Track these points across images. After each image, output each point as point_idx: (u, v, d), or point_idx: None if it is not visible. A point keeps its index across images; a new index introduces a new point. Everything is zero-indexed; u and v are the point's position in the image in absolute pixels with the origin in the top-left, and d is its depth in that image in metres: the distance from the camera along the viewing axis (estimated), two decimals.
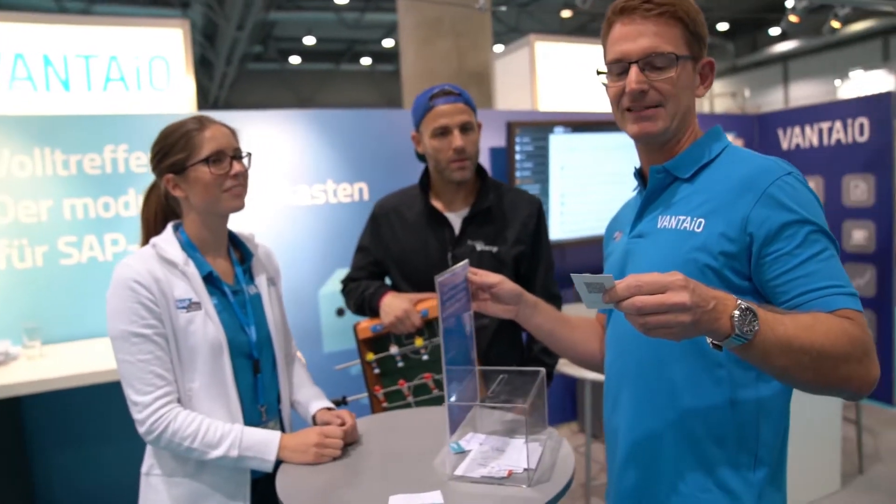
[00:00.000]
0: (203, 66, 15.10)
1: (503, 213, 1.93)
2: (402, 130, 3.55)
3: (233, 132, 1.51)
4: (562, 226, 3.92)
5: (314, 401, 1.60)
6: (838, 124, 4.28)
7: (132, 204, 3.03)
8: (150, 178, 3.03)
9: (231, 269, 1.55)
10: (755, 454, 1.10)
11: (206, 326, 1.41)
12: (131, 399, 1.37)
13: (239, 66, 15.61)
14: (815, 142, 4.43)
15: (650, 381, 1.15)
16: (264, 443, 1.38)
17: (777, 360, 0.91)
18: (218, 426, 1.37)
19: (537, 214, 1.96)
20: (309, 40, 15.24)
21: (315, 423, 1.53)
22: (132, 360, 1.36)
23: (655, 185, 1.19)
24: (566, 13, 13.08)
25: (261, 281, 1.58)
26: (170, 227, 1.49)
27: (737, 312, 0.88)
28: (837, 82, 14.35)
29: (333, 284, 3.43)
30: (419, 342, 1.85)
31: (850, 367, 0.95)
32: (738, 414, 1.09)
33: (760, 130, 4.80)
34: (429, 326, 1.85)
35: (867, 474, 3.42)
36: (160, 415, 1.35)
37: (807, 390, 0.99)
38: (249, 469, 1.43)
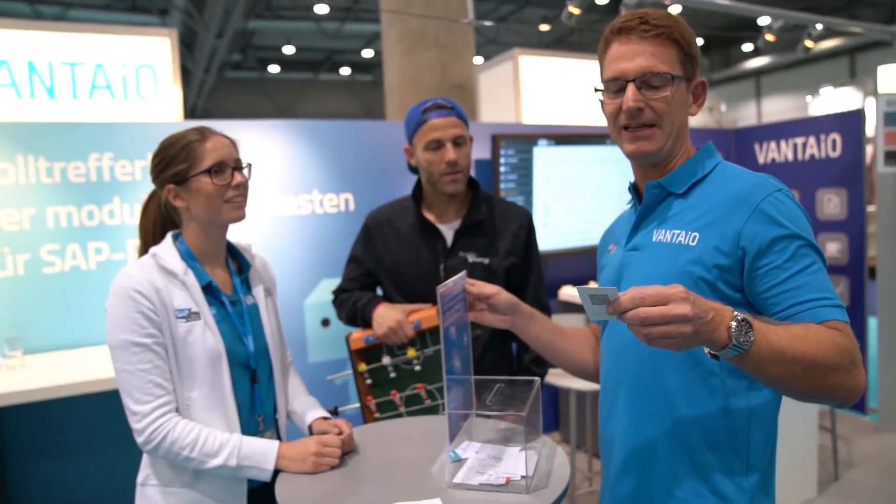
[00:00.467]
0: (181, 73, 14.97)
1: (494, 226, 1.96)
2: (388, 141, 3.58)
3: (233, 143, 1.53)
4: (545, 237, 3.98)
5: (310, 410, 1.61)
6: (812, 140, 4.40)
7: (117, 212, 3.01)
8: (136, 186, 3.02)
9: (229, 279, 1.56)
10: (747, 460, 1.14)
11: (205, 336, 1.42)
12: (130, 408, 1.37)
13: (217, 74, 15.52)
14: (790, 156, 4.55)
15: (646, 389, 1.18)
16: (263, 452, 1.38)
17: (771, 368, 0.96)
18: (216, 435, 1.38)
19: (528, 227, 1.99)
20: (288, 49, 15.21)
21: (311, 433, 1.54)
22: (131, 369, 1.36)
23: (650, 199, 1.23)
24: (545, 27, 13.25)
25: (258, 291, 1.60)
26: (169, 236, 1.50)
27: (733, 323, 0.92)
28: (808, 98, 14.69)
29: (319, 295, 3.43)
30: (412, 353, 1.87)
31: (839, 375, 0.99)
32: (730, 421, 1.13)
33: (737, 144, 4.91)
34: (421, 337, 1.87)
35: (842, 481, 3.50)
36: (159, 424, 1.35)
37: (797, 398, 1.03)
38: (247, 478, 1.43)
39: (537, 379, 1.37)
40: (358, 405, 1.98)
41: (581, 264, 4.29)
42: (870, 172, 4.68)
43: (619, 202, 4.28)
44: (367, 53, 15.71)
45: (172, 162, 1.45)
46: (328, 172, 3.48)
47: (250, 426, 1.49)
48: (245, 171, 1.51)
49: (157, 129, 1.55)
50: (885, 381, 4.18)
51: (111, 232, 3.00)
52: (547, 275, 2.21)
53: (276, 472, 1.38)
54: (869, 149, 4.64)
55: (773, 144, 4.67)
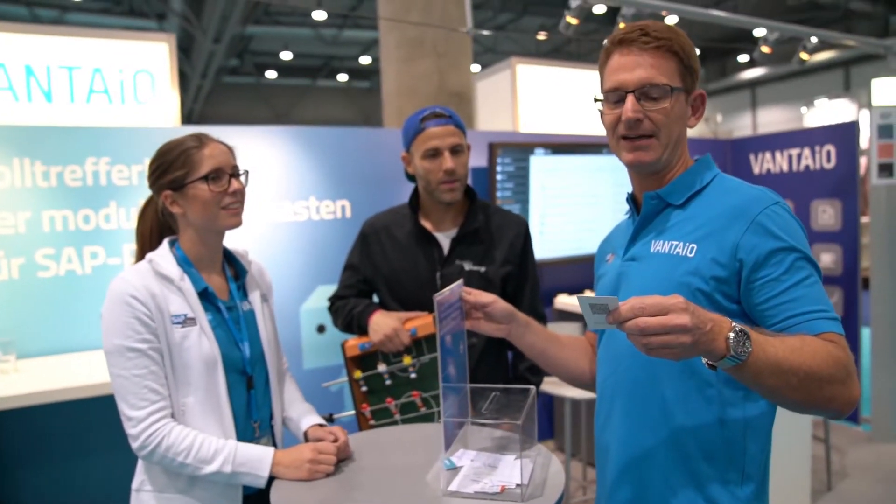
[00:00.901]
0: (179, 78, 14.97)
1: (491, 234, 1.97)
2: (385, 149, 3.59)
3: (231, 150, 1.53)
4: (541, 246, 3.99)
5: (306, 417, 1.61)
6: (807, 151, 4.43)
7: (113, 217, 3.01)
8: (132, 191, 3.02)
9: (225, 285, 1.56)
10: (743, 471, 1.14)
11: (201, 342, 1.42)
12: (125, 414, 1.36)
13: (214, 80, 15.53)
14: (786, 167, 4.58)
15: (643, 399, 1.19)
16: (258, 458, 1.38)
17: (767, 379, 0.96)
18: (211, 442, 1.37)
19: (524, 235, 2.00)
20: (286, 55, 15.24)
21: (307, 440, 1.54)
22: (127, 374, 1.36)
23: (649, 210, 1.24)
24: (542, 36, 13.31)
25: (254, 297, 1.60)
26: (166, 242, 1.50)
27: (731, 334, 0.93)
28: (803, 109, 14.80)
29: (315, 301, 3.43)
30: (407, 360, 1.87)
31: (834, 387, 1.00)
32: (726, 432, 1.13)
33: (733, 155, 4.94)
34: (417, 345, 1.87)
35: (836, 491, 3.51)
36: (154, 430, 1.35)
37: (793, 409, 1.04)
38: (242, 485, 1.43)
39: (533, 387, 1.37)
40: (353, 412, 1.97)
41: (577, 273, 4.29)
42: (864, 184, 4.71)
43: (615, 211, 4.29)
44: (365, 60, 15.75)
45: (170, 168, 1.45)
46: (325, 179, 3.49)
47: (246, 432, 1.48)
48: (242, 178, 1.52)
49: (155, 134, 1.56)
50: (879, 391, 4.20)
51: (107, 236, 3.00)
52: (543, 283, 2.22)
53: (272, 478, 1.38)
54: (863, 160, 4.67)
55: (768, 155, 4.70)
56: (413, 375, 1.88)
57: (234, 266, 1.61)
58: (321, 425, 1.57)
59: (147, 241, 1.55)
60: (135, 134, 3.05)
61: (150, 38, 3.59)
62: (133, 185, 3.03)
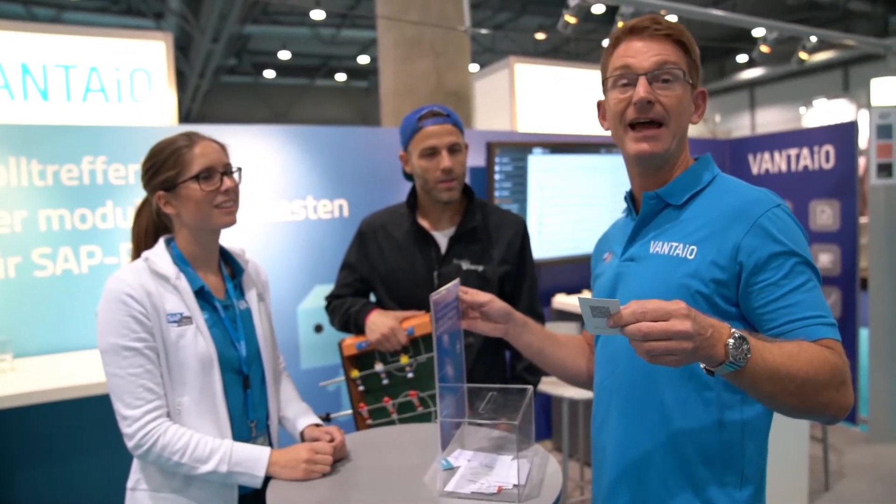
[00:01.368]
0: (176, 77, 14.96)
1: (489, 233, 1.96)
2: (383, 148, 3.58)
3: (223, 147, 1.52)
4: (539, 246, 3.98)
5: (302, 417, 1.60)
6: (805, 151, 4.43)
7: (110, 216, 2.99)
8: (129, 190, 3.01)
9: (222, 283, 1.55)
10: (741, 473, 1.14)
11: (197, 341, 1.41)
12: (121, 413, 1.36)
13: (212, 79, 15.51)
14: (784, 167, 4.57)
15: (640, 400, 1.18)
16: (254, 458, 1.37)
17: (765, 385, 0.96)
18: (207, 441, 1.37)
19: (522, 235, 2.00)
20: (284, 55, 15.22)
21: (303, 440, 1.53)
22: (122, 373, 1.35)
23: (648, 210, 1.23)
24: (540, 35, 13.31)
25: (251, 296, 1.59)
26: (162, 241, 1.49)
27: (731, 340, 0.92)
28: (802, 109, 14.82)
29: (312, 300, 3.42)
30: (404, 360, 1.87)
31: (829, 394, 1.00)
32: (725, 434, 1.13)
33: (731, 155, 4.94)
34: (414, 344, 1.87)
35: (833, 491, 3.51)
36: (150, 429, 1.34)
37: (788, 414, 1.04)
38: (237, 485, 1.42)
39: (530, 387, 1.36)
40: (350, 412, 1.97)
41: (575, 273, 4.29)
42: (862, 184, 4.71)
43: (613, 211, 4.29)
44: (363, 60, 15.74)
45: (161, 168, 1.45)
46: (322, 178, 3.48)
47: (242, 432, 1.48)
48: (235, 175, 1.50)
49: (151, 133, 1.55)
50: (876, 392, 4.20)
51: (104, 236, 2.99)
52: (541, 283, 2.22)
53: (268, 478, 1.37)
54: (862, 161, 4.67)
55: (766, 155, 4.69)
56: (410, 375, 1.88)
57: (230, 265, 1.60)
58: (318, 425, 1.57)
59: (143, 240, 1.54)
60: (131, 133, 3.04)
61: (147, 37, 3.57)
62: (130, 184, 3.02)
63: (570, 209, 4.17)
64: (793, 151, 4.51)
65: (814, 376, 0.98)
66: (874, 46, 4.67)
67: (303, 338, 3.42)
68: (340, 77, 17.80)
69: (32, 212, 2.86)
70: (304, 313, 3.42)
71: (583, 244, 4.19)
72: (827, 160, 4.30)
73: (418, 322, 1.85)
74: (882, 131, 4.12)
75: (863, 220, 4.45)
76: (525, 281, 1.99)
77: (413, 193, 2.01)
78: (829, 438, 3.61)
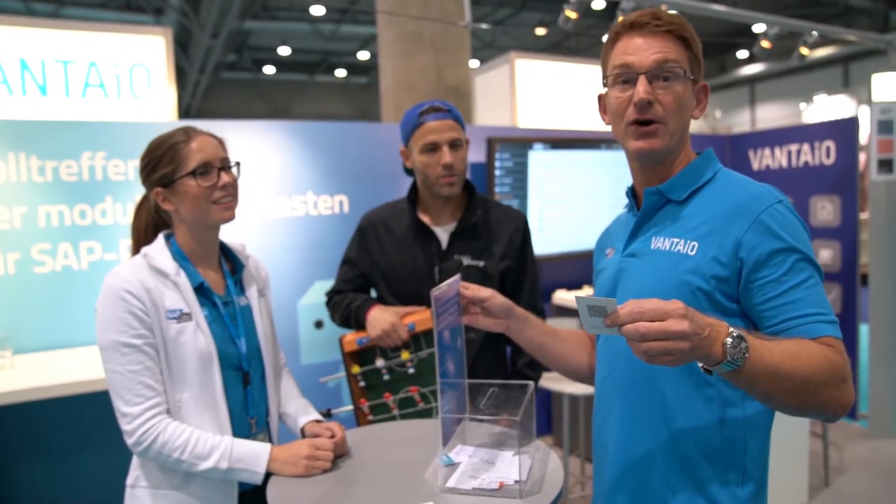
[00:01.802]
0: (176, 73, 14.92)
1: (490, 229, 1.95)
2: (383, 144, 3.57)
3: (220, 142, 1.51)
4: (540, 241, 3.97)
5: (303, 413, 1.60)
6: (806, 147, 4.42)
7: (109, 212, 2.99)
8: (128, 185, 3.00)
9: (222, 280, 1.54)
10: (743, 470, 1.13)
11: (197, 337, 1.40)
12: (120, 410, 1.35)
13: (212, 75, 15.47)
14: (785, 163, 4.57)
15: (641, 398, 1.17)
16: (254, 455, 1.37)
17: (763, 384, 0.95)
18: (207, 438, 1.36)
19: (523, 230, 1.99)
20: (284, 50, 15.19)
21: (304, 436, 1.53)
22: (122, 370, 1.34)
23: (649, 206, 1.22)
24: (541, 31, 13.28)
25: (251, 292, 1.58)
26: (161, 236, 1.48)
27: (729, 340, 0.91)
28: (802, 105, 14.80)
29: (312, 296, 3.42)
30: (405, 355, 1.86)
31: (829, 392, 1.00)
32: (726, 431, 1.12)
33: (732, 151, 4.93)
34: (415, 340, 1.86)
35: (833, 487, 3.51)
36: (149, 426, 1.34)
37: (788, 413, 1.03)
38: (238, 481, 1.42)
39: (531, 383, 1.36)
40: (351, 407, 1.97)
41: (575, 269, 4.28)
42: (863, 180, 4.70)
43: (613, 207, 4.28)
44: (363, 56, 15.71)
45: (158, 164, 1.44)
46: (322, 174, 3.47)
47: (242, 429, 1.47)
48: (234, 170, 1.49)
49: (151, 129, 1.54)
50: (876, 387, 4.20)
51: (103, 231, 2.98)
52: (541, 279, 2.21)
53: (268, 475, 1.37)
54: (862, 156, 4.66)
55: (767, 151, 4.68)
56: (411, 370, 1.87)
57: (230, 261, 1.59)
58: (318, 421, 1.56)
59: (142, 236, 1.53)
60: (131, 129, 3.03)
61: (147, 32, 3.56)
62: (129, 179, 3.01)
63: (570, 205, 4.16)
64: (793, 147, 4.50)
65: (813, 375, 0.97)
66: (875, 42, 4.66)
67: (303, 333, 3.42)
68: (340, 73, 17.77)
69: (32, 208, 2.85)
70: (305, 309, 3.42)
71: (583, 240, 4.19)
72: (827, 156, 4.29)
73: (419, 318, 1.84)
74: (883, 127, 4.11)
75: (863, 215, 4.44)
76: (526, 276, 1.98)
77: (414, 189, 2.00)
78: (829, 434, 3.62)
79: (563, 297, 4.10)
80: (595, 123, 4.60)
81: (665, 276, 1.13)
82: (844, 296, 4.22)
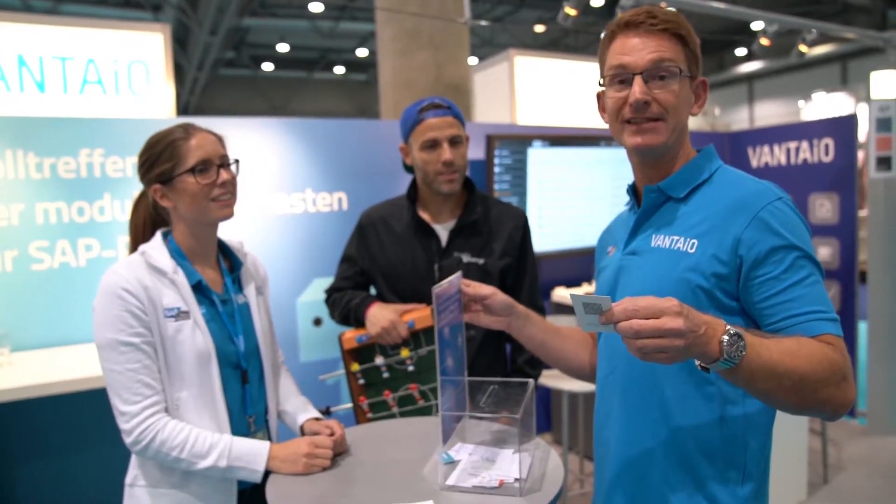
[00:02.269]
0: (174, 70, 14.89)
1: (490, 226, 1.95)
2: (382, 141, 3.57)
3: (220, 139, 1.50)
4: (539, 239, 3.97)
5: (302, 411, 1.60)
6: (805, 144, 4.42)
7: (107, 209, 2.98)
8: (127, 182, 2.99)
9: (220, 278, 1.53)
10: (743, 469, 1.13)
11: (195, 335, 1.40)
12: (118, 409, 1.35)
13: (211, 72, 15.45)
14: (783, 160, 4.56)
15: (641, 396, 1.17)
16: (253, 453, 1.37)
17: (761, 383, 0.95)
18: (206, 436, 1.36)
19: (523, 227, 1.99)
20: (282, 47, 15.16)
21: (303, 434, 1.52)
22: (120, 369, 1.34)
23: (649, 203, 1.21)
24: (539, 28, 13.26)
25: (249, 290, 1.57)
26: (159, 234, 1.48)
27: (725, 337, 0.91)
28: (801, 103, 14.81)
29: (311, 293, 3.41)
30: (405, 353, 1.86)
31: (828, 390, 0.99)
32: (727, 429, 1.12)
33: (731, 148, 4.92)
34: (415, 337, 1.86)
35: (832, 484, 3.51)
36: (148, 425, 1.33)
37: (787, 411, 1.03)
38: (237, 479, 1.41)
39: (531, 380, 1.36)
40: (350, 405, 1.96)
41: (574, 266, 4.28)
42: (861, 177, 4.70)
43: (613, 205, 4.28)
44: (362, 53, 15.69)
45: (157, 161, 1.43)
46: (321, 171, 3.46)
47: (241, 427, 1.47)
48: (233, 168, 1.49)
49: (149, 126, 1.54)
50: (875, 385, 4.20)
51: (101, 229, 2.97)
52: (540, 276, 2.21)
53: (267, 473, 1.36)
54: (861, 154, 4.66)
55: (766, 148, 4.68)
56: (411, 368, 1.87)
57: (228, 259, 1.58)
58: (317, 419, 1.56)
59: (140, 233, 1.52)
60: (129, 125, 3.02)
61: (145, 29, 3.55)
62: (127, 176, 3.00)
63: (569, 202, 4.16)
64: (792, 145, 4.50)
65: (812, 373, 0.97)
66: (874, 39, 4.65)
67: (302, 331, 3.41)
68: (339, 70, 17.75)
69: (29, 205, 2.84)
70: (303, 306, 3.41)
71: (582, 237, 4.19)
72: (826, 153, 4.29)
73: (419, 315, 1.84)
74: (881, 124, 4.11)
75: (862, 213, 4.45)
76: (526, 274, 1.98)
77: (413, 186, 2.00)
78: (827, 431, 3.62)
79: (562, 294, 4.10)
80: (594, 121, 4.59)
81: (665, 274, 1.12)
82: (843, 293, 4.23)
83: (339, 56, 16.57)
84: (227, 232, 1.58)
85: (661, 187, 1.19)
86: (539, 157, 3.97)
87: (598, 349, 1.33)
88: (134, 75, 3.46)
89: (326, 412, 1.91)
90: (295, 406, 1.62)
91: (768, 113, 17.73)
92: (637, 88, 1.12)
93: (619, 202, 4.16)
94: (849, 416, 4.33)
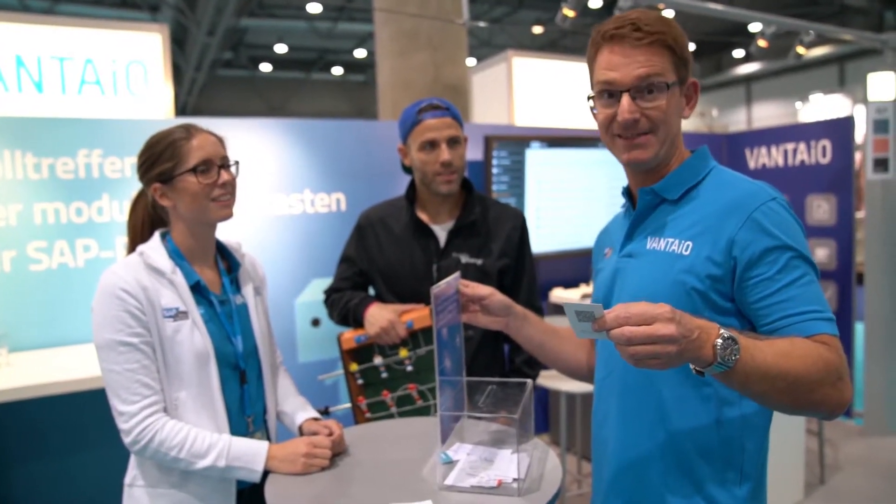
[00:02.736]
0: (172, 70, 14.87)
1: (488, 227, 1.95)
2: (381, 142, 3.57)
3: (220, 140, 1.51)
4: (537, 239, 3.97)
5: (300, 411, 1.60)
6: (802, 146, 4.43)
7: (106, 209, 2.98)
8: (125, 183, 2.99)
9: (218, 278, 1.54)
10: (741, 469, 1.13)
11: (193, 336, 1.40)
12: (117, 409, 1.35)
13: (208, 72, 15.44)
14: (781, 162, 4.58)
15: (638, 398, 1.17)
16: (252, 453, 1.37)
17: (756, 385, 0.95)
18: (205, 436, 1.36)
19: (521, 228, 1.99)
20: (280, 48, 15.15)
21: (302, 434, 1.53)
22: (118, 369, 1.34)
23: (644, 206, 1.22)
24: (538, 29, 13.28)
25: (247, 291, 1.58)
26: (157, 235, 1.48)
27: (719, 341, 0.91)
28: (798, 104, 14.84)
29: (309, 294, 3.42)
30: (404, 353, 1.86)
31: (824, 391, 0.99)
32: (724, 430, 1.12)
33: (729, 150, 4.94)
34: (413, 338, 1.86)
35: (829, 484, 3.52)
36: (147, 425, 1.33)
37: (783, 412, 1.03)
38: (236, 479, 1.42)
39: (529, 381, 1.36)
40: (349, 405, 1.96)
41: (572, 267, 4.29)
42: (859, 179, 4.71)
43: (610, 205, 4.29)
44: (360, 53, 15.68)
45: (158, 160, 1.43)
46: (320, 172, 3.47)
47: (239, 427, 1.47)
48: (233, 169, 1.49)
49: (148, 126, 1.54)
50: (871, 385, 4.21)
51: (100, 229, 2.97)
52: (538, 277, 2.21)
53: (266, 473, 1.36)
54: (858, 155, 4.67)
55: (763, 150, 4.69)
56: (409, 368, 1.87)
57: (227, 259, 1.59)
58: (316, 419, 1.56)
59: (139, 234, 1.52)
60: (127, 126, 3.02)
61: (143, 29, 3.55)
62: (126, 177, 3.00)
63: (567, 203, 4.17)
64: (790, 146, 4.51)
65: (806, 374, 0.97)
66: (871, 41, 4.67)
67: (300, 332, 3.41)
68: (337, 71, 17.74)
69: (27, 205, 2.84)
70: (302, 307, 3.41)
71: (580, 238, 4.19)
72: (823, 155, 4.31)
73: (417, 315, 1.84)
74: (878, 126, 4.12)
75: (859, 214, 4.46)
76: (524, 274, 1.98)
77: (412, 187, 2.00)
78: (824, 432, 3.63)
79: (560, 295, 4.11)
80: (592, 122, 4.59)
81: (660, 277, 1.13)
82: (840, 294, 4.24)
83: (338, 57, 16.57)
84: (225, 232, 1.59)
85: (655, 189, 1.19)
86: (537, 158, 3.97)
87: (595, 351, 1.33)
88: (132, 76, 3.46)
89: (325, 412, 1.91)
90: (293, 406, 1.62)
91: (766, 114, 17.76)
92: (625, 107, 1.12)
93: (616, 203, 4.17)
94: (846, 416, 4.35)
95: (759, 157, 4.72)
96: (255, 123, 3.36)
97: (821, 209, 4.32)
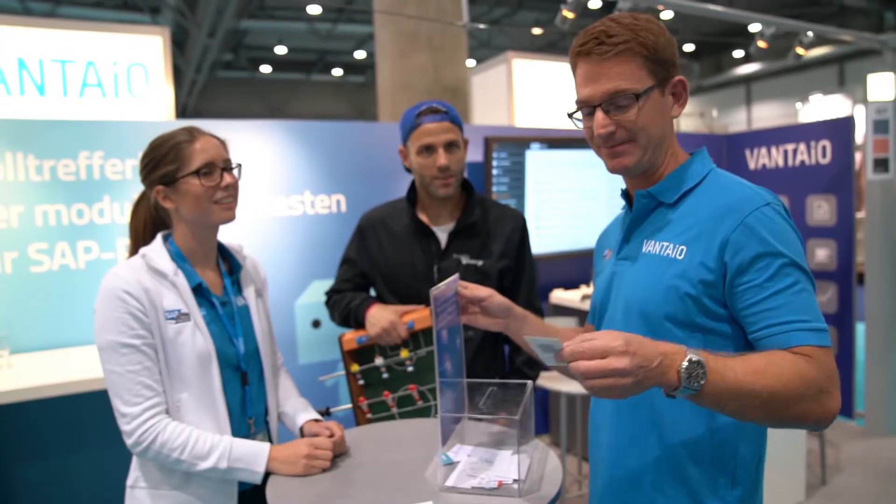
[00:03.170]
0: (172, 72, 14.89)
1: (488, 228, 1.96)
2: (381, 143, 3.57)
3: (223, 143, 1.52)
4: (537, 241, 3.97)
5: (301, 412, 1.60)
6: (802, 146, 4.43)
7: (107, 211, 2.98)
8: (126, 185, 3.00)
9: (220, 280, 1.54)
10: (733, 475, 1.13)
11: (195, 337, 1.41)
12: (119, 410, 1.35)
13: (209, 74, 15.46)
14: (781, 162, 4.58)
15: (632, 403, 1.16)
16: (254, 454, 1.37)
17: (729, 404, 0.96)
18: (207, 438, 1.37)
19: (521, 229, 2.00)
20: (280, 49, 15.17)
21: (303, 435, 1.53)
22: (121, 370, 1.35)
23: (640, 209, 1.21)
24: (537, 30, 13.29)
25: (249, 293, 1.58)
26: (159, 237, 1.49)
27: (685, 364, 0.92)
28: (798, 105, 14.84)
29: (310, 296, 3.42)
30: (404, 354, 1.87)
31: (803, 405, 0.98)
32: (716, 436, 1.12)
33: (729, 150, 4.94)
34: (414, 338, 1.87)
35: (830, 485, 3.51)
36: (149, 426, 1.34)
37: (765, 426, 1.04)
38: (237, 481, 1.42)
39: (529, 382, 1.37)
40: (350, 406, 1.97)
41: (572, 268, 4.29)
42: (859, 179, 4.72)
43: (610, 206, 4.29)
44: (360, 55, 15.70)
45: (161, 163, 1.44)
46: (320, 174, 3.47)
47: (241, 428, 1.48)
48: (235, 172, 1.50)
49: (149, 128, 1.55)
50: (873, 386, 4.21)
51: (101, 231, 2.98)
52: (538, 278, 2.22)
53: (268, 474, 1.37)
54: (858, 156, 4.67)
55: (763, 150, 4.70)
56: (410, 369, 1.88)
57: (228, 261, 1.59)
58: (317, 420, 1.57)
59: (140, 236, 1.53)
60: (128, 128, 3.03)
61: (144, 32, 3.56)
62: (127, 179, 3.01)
63: (567, 204, 4.17)
64: (790, 146, 4.51)
65: (782, 390, 0.95)
66: (870, 41, 4.67)
67: (301, 333, 3.42)
68: (337, 72, 17.75)
69: (29, 207, 2.85)
70: (302, 308, 3.42)
71: (580, 239, 4.20)
72: (824, 155, 4.31)
73: (418, 316, 1.85)
74: (878, 126, 4.12)
75: (859, 215, 4.46)
76: (524, 275, 1.99)
77: (413, 188, 2.01)
78: (825, 433, 3.63)
79: (560, 296, 4.11)
80: None
81: (655, 281, 1.13)
82: (840, 295, 4.24)
83: (337, 58, 16.58)
84: (226, 234, 1.59)
85: (651, 192, 1.19)
86: (537, 160, 3.98)
87: None
88: (133, 78, 3.47)
89: (326, 413, 1.92)
90: (294, 407, 1.63)
91: (766, 115, 17.76)
92: (599, 122, 1.13)
93: (616, 204, 4.17)
94: (847, 417, 4.35)
95: (759, 158, 4.72)
96: (256, 125, 3.36)
97: (821, 209, 4.32)
